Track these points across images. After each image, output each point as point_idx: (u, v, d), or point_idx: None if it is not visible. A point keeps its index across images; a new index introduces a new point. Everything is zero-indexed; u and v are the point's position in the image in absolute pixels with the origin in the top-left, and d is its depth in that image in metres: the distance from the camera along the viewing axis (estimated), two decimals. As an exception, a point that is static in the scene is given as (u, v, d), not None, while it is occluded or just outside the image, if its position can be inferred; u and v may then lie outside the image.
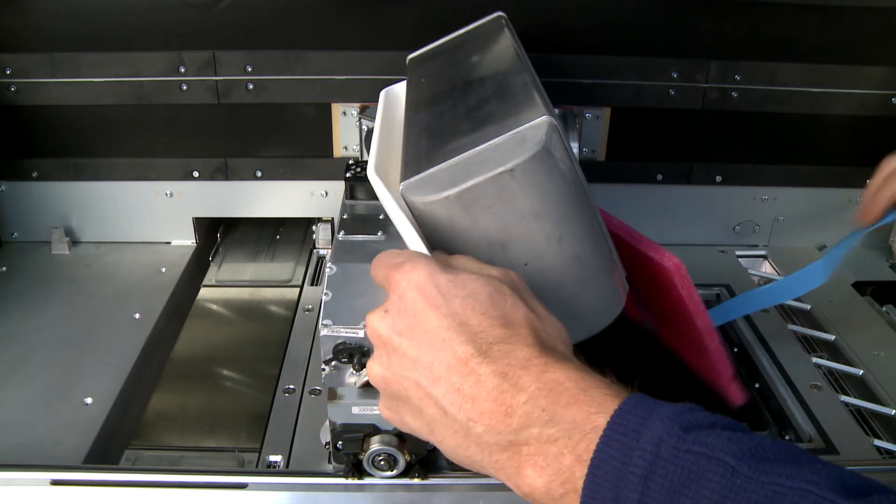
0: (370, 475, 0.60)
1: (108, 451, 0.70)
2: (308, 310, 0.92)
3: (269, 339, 0.87)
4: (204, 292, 0.97)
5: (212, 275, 1.01)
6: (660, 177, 1.04)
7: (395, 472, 0.60)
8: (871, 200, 0.74)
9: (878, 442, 0.72)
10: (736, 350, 0.89)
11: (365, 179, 0.69)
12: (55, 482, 0.60)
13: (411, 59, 0.75)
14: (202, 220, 1.05)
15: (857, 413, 0.76)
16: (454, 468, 0.61)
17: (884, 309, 0.94)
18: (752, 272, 1.02)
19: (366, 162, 0.62)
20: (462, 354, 0.41)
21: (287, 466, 0.67)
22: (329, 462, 0.63)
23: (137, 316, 0.88)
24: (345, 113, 0.98)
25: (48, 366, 0.79)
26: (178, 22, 0.93)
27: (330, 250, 0.86)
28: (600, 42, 0.96)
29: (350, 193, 0.73)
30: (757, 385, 0.83)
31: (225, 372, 0.83)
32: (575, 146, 0.94)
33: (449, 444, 0.42)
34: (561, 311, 0.46)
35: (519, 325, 0.42)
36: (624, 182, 1.03)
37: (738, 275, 1.00)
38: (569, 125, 0.93)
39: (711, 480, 0.34)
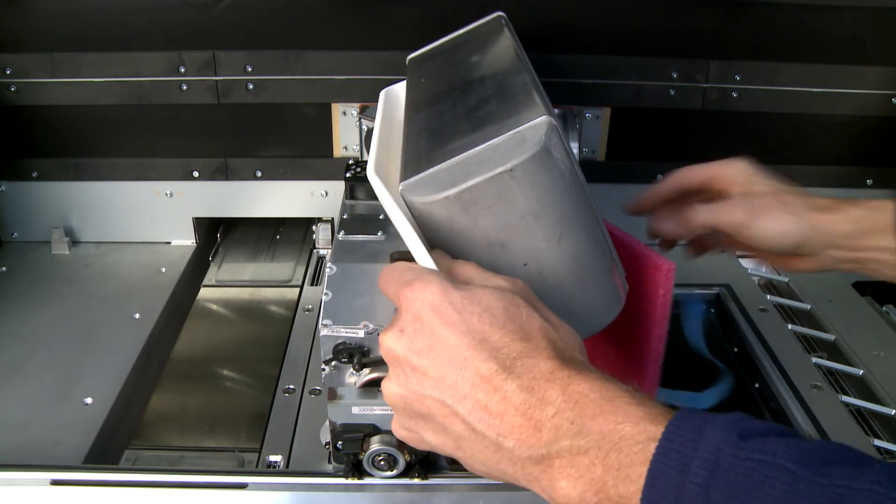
0: (370, 475, 0.60)
1: (108, 451, 0.70)
2: (308, 310, 0.92)
3: (269, 339, 0.87)
4: (204, 292, 0.97)
5: (212, 275, 1.01)
6: (660, 177, 1.02)
7: (395, 472, 0.60)
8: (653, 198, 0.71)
9: (878, 442, 0.72)
10: (736, 350, 0.89)
11: (365, 179, 0.69)
12: (55, 482, 0.60)
13: (411, 59, 0.75)
14: (202, 220, 1.05)
15: (857, 413, 0.76)
16: (454, 468, 0.61)
17: (884, 309, 0.94)
18: (752, 272, 1.02)
19: (366, 162, 0.62)
20: (485, 372, 0.41)
21: (287, 466, 0.67)
22: (329, 462, 0.63)
23: (137, 316, 0.88)
24: (345, 113, 0.98)
25: (48, 366, 0.79)
26: (178, 22, 0.93)
27: (330, 250, 0.85)
28: (600, 42, 0.96)
29: (350, 193, 0.73)
30: (757, 385, 0.83)
31: (225, 372, 0.83)
32: (575, 146, 0.94)
33: (478, 459, 0.43)
34: (561, 311, 0.46)
35: (537, 337, 0.42)
36: (624, 182, 1.02)
37: (738, 275, 1.00)
38: (569, 125, 0.93)
39: (774, 487, 0.34)
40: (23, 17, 0.92)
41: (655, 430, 0.37)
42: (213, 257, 1.05)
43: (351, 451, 0.59)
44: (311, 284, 0.99)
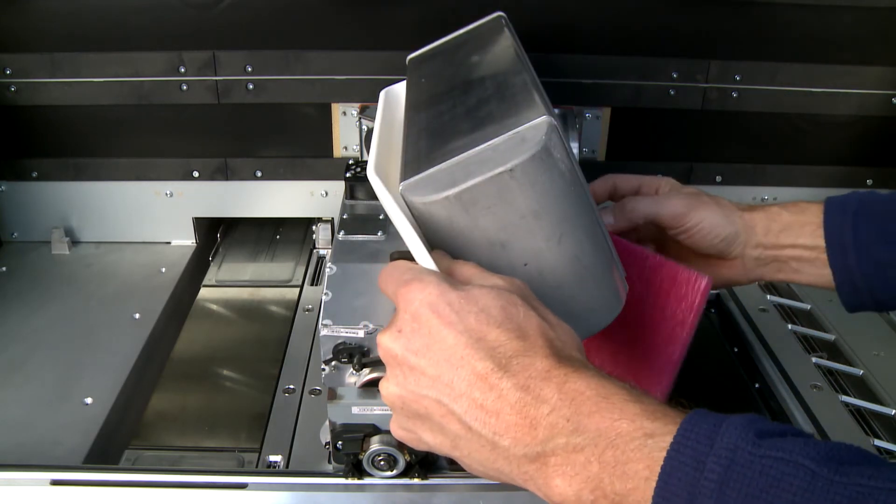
0: (370, 475, 0.60)
1: (108, 451, 0.70)
2: (308, 310, 0.92)
3: (269, 339, 0.87)
4: (204, 292, 0.97)
5: (212, 275, 1.01)
6: (659, 177, 1.04)
7: (394, 472, 0.60)
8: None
9: (878, 442, 0.72)
10: (736, 350, 0.89)
11: (365, 179, 0.69)
12: (55, 482, 0.60)
13: (411, 59, 0.75)
14: (202, 220, 1.05)
15: (857, 413, 0.76)
16: (454, 468, 0.61)
17: (884, 309, 0.94)
18: (752, 272, 1.01)
19: (366, 162, 0.62)
20: (482, 370, 0.41)
21: (287, 466, 0.67)
22: (329, 462, 0.63)
23: (137, 316, 0.88)
24: (345, 113, 0.98)
25: (48, 366, 0.79)
26: (178, 22, 0.93)
27: (330, 250, 0.85)
28: (600, 42, 0.96)
29: (350, 193, 0.73)
30: (757, 385, 0.83)
31: (225, 372, 0.83)
32: (575, 146, 0.94)
33: (475, 458, 0.43)
34: (561, 311, 0.46)
35: (534, 335, 0.42)
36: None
37: (738, 275, 1.00)
38: (569, 125, 0.93)
39: (792, 484, 0.34)
40: (23, 17, 0.92)
41: (653, 427, 0.37)
42: (213, 257, 1.05)
43: (351, 451, 0.59)
44: (311, 284, 0.99)
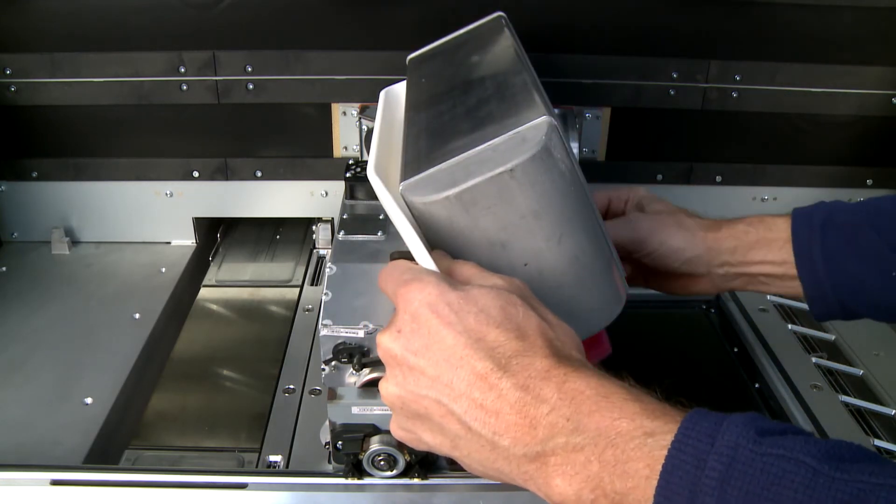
0: (370, 475, 0.60)
1: (108, 451, 0.70)
2: (308, 310, 0.92)
3: (269, 339, 0.87)
4: (204, 292, 0.97)
5: (212, 275, 1.01)
6: (660, 177, 1.04)
7: (394, 472, 0.60)
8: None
9: (878, 442, 0.72)
10: (736, 350, 0.89)
11: (365, 179, 0.69)
12: (55, 482, 0.60)
13: (411, 59, 0.75)
14: (202, 220, 1.05)
15: (857, 413, 0.76)
16: (454, 468, 0.61)
17: (884, 309, 0.94)
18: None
19: (366, 162, 0.62)
20: (481, 370, 0.41)
21: (287, 466, 0.67)
22: (329, 462, 0.63)
23: (137, 316, 0.88)
24: (345, 113, 0.98)
25: (48, 366, 0.79)
26: (178, 22, 0.93)
27: (330, 250, 0.85)
28: (600, 42, 0.96)
29: (350, 193, 0.73)
30: (757, 385, 0.83)
31: (225, 372, 0.83)
32: (575, 146, 0.94)
33: (475, 458, 0.43)
34: (561, 311, 0.46)
35: (534, 335, 0.42)
36: (624, 182, 1.02)
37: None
38: (569, 125, 0.93)
39: (793, 482, 0.34)
40: (23, 17, 0.92)
41: (653, 426, 0.37)
42: (213, 257, 1.05)
43: (351, 451, 0.59)
44: (311, 284, 0.99)
